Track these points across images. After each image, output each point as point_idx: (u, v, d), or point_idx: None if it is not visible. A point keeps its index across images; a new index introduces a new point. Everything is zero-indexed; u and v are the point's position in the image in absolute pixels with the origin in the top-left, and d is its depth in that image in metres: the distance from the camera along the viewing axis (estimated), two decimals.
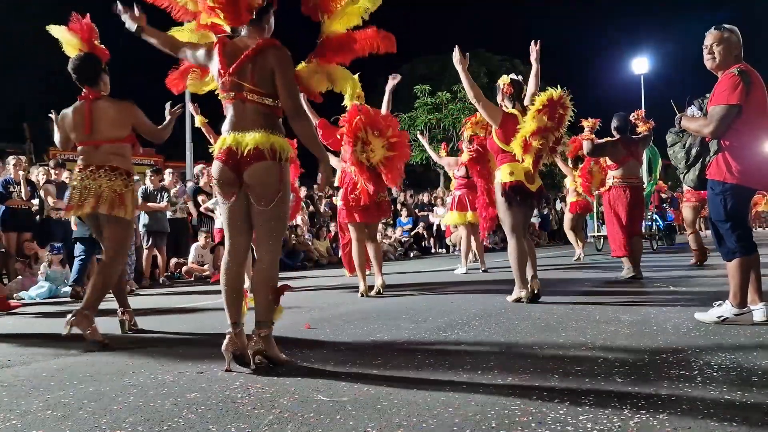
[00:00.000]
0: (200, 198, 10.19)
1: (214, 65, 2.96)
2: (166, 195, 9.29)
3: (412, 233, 15.14)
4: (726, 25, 3.68)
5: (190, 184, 10.86)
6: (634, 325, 3.75)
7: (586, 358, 2.84)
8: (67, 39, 3.99)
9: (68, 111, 3.97)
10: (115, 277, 3.89)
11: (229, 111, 2.93)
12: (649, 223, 13.77)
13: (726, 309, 3.68)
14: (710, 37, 3.67)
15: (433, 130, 26.37)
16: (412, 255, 14.39)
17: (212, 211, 10.20)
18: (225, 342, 2.83)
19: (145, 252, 8.79)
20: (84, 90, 3.92)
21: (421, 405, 2.19)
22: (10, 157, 8.14)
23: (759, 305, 3.69)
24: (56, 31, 3.99)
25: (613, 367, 2.65)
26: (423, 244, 15.66)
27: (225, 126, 2.93)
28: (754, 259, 3.66)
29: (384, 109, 6.00)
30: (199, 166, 11.97)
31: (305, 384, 2.54)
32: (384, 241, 13.79)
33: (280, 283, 2.92)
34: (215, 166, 2.93)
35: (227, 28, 3.13)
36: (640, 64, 32.42)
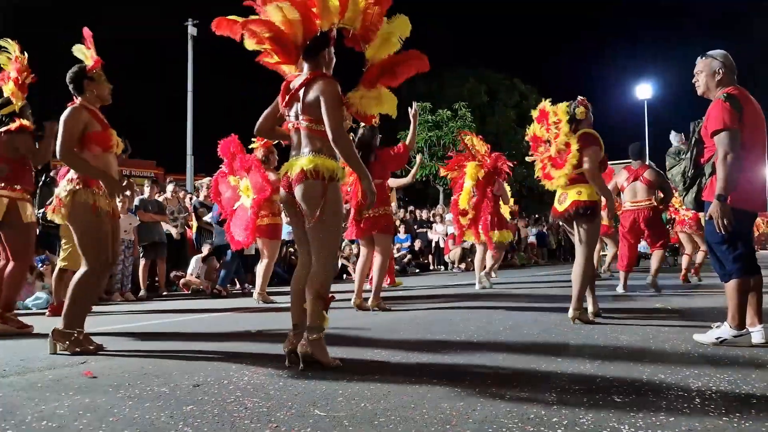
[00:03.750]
0: (200, 211, 10.19)
1: (280, 101, 3.32)
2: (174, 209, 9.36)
3: (411, 249, 15.14)
4: (712, 52, 3.76)
5: (195, 199, 10.86)
6: (632, 345, 3.74)
7: (584, 378, 2.83)
8: (85, 54, 4.10)
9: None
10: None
11: (291, 140, 3.31)
12: None
13: (725, 331, 3.67)
14: (697, 65, 3.81)
15: (434, 147, 26.48)
16: (410, 271, 14.36)
17: (211, 224, 10.21)
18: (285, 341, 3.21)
19: (142, 263, 8.76)
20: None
21: (419, 422, 2.18)
22: None
23: (757, 327, 3.68)
24: (77, 50, 4.12)
25: (611, 387, 2.64)
26: (421, 260, 15.64)
27: (291, 154, 3.29)
28: (757, 281, 3.67)
29: (409, 139, 6.13)
30: (204, 180, 11.94)
31: (302, 399, 2.53)
32: None
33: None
34: (279, 192, 3.32)
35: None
36: (644, 90, 32.73)
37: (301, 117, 3.20)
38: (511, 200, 9.00)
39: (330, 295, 3.18)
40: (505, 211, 8.99)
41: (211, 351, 3.78)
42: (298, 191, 3.13)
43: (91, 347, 3.74)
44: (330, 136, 3.09)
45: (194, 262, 9.41)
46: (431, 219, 16.99)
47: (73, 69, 4.04)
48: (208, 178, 12.20)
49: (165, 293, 9.07)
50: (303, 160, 3.13)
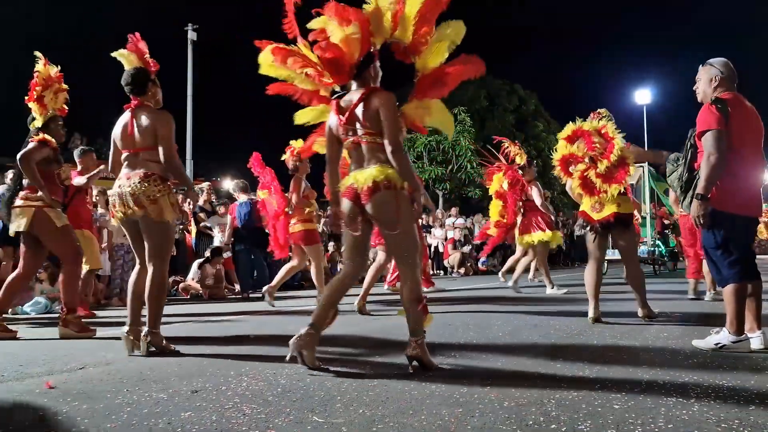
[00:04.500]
0: (199, 216, 10.19)
1: (333, 121, 3.40)
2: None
3: None
4: (712, 60, 3.84)
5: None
6: (631, 350, 3.74)
7: (583, 384, 2.83)
8: (127, 58, 4.16)
9: (117, 125, 4.06)
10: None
11: (351, 155, 3.38)
12: (652, 249, 13.88)
13: (723, 336, 3.68)
14: (698, 73, 3.89)
15: (433, 152, 26.48)
16: None
17: (210, 229, 10.22)
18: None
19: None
20: (132, 100, 4.03)
21: (417, 428, 2.17)
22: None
23: (757, 333, 3.67)
24: (119, 55, 4.17)
25: (610, 393, 2.64)
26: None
27: (350, 168, 3.37)
28: (756, 286, 3.67)
29: None
30: (203, 185, 11.95)
31: (300, 405, 2.52)
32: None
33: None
34: (342, 203, 3.35)
35: (337, 88, 3.54)
36: (643, 95, 32.79)
37: (361, 131, 3.25)
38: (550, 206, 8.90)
39: (425, 296, 3.26)
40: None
41: (209, 356, 3.77)
42: (373, 203, 3.18)
43: (170, 348, 3.88)
44: (388, 149, 3.15)
45: (195, 267, 9.41)
46: (430, 224, 16.99)
47: (132, 69, 4.02)
48: (207, 183, 12.23)
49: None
50: (373, 172, 3.18)
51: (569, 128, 5.17)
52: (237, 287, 9.89)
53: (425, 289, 8.48)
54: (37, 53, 4.95)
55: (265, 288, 7.19)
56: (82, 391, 2.85)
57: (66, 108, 5.12)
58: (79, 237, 5.49)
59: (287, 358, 3.17)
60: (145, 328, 3.83)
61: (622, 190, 4.94)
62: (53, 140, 4.92)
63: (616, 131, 4.95)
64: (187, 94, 22.41)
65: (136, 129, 3.90)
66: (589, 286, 5.07)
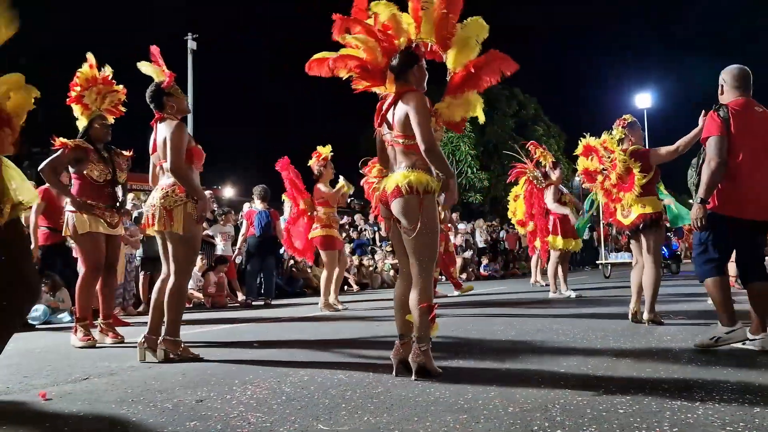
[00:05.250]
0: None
1: (375, 121, 3.45)
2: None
3: None
4: (725, 68, 3.96)
5: None
6: (635, 353, 3.74)
7: (587, 388, 2.83)
8: (153, 71, 4.28)
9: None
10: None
11: (389, 157, 3.41)
12: None
13: (718, 329, 3.78)
14: None
15: None
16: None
17: (212, 237, 10.22)
18: (393, 350, 3.29)
19: (141, 277, 8.75)
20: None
21: None
22: None
23: (760, 335, 3.70)
24: (143, 67, 4.31)
25: (614, 397, 2.64)
26: None
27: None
28: (764, 288, 3.72)
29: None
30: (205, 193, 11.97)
31: (305, 413, 2.53)
32: (382, 266, 13.78)
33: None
34: (379, 205, 3.42)
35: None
36: (643, 99, 32.84)
37: (394, 134, 3.28)
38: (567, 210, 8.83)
39: (434, 304, 3.21)
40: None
41: (213, 364, 3.77)
42: (394, 206, 3.23)
43: (190, 355, 3.94)
44: (422, 147, 3.14)
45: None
46: None
47: (150, 87, 4.17)
48: (208, 191, 12.25)
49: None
50: (398, 177, 3.22)
51: (580, 145, 5.57)
52: (240, 295, 9.89)
53: (456, 293, 8.65)
54: (89, 54, 5.02)
55: (320, 304, 7.39)
56: (86, 401, 2.85)
57: (119, 110, 5.12)
58: None
59: (413, 378, 3.11)
60: (162, 336, 3.92)
61: (638, 191, 5.01)
62: (69, 141, 4.90)
63: (615, 143, 5.22)
64: (188, 102, 22.47)
65: (157, 142, 4.07)
66: (632, 285, 5.33)
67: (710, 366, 3.31)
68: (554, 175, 8.59)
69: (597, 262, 13.20)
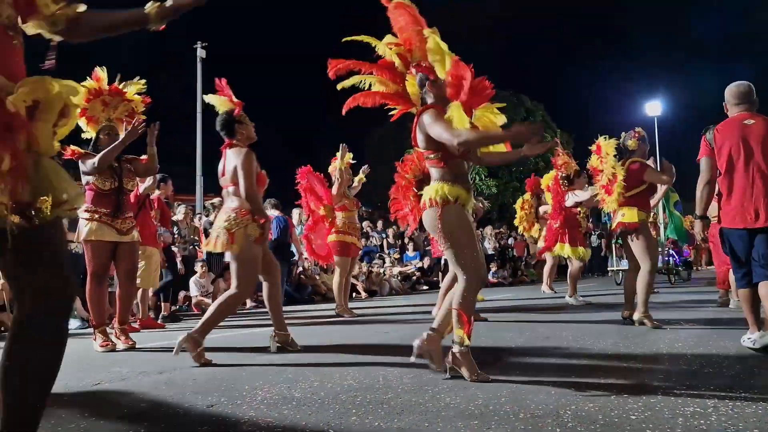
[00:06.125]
0: (209, 231, 10.23)
1: None
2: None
3: (420, 267, 15.10)
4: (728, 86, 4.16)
5: (204, 219, 10.89)
6: (647, 360, 3.72)
7: (599, 394, 2.82)
8: (220, 102, 4.54)
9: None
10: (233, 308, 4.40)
11: None
12: (666, 258, 13.88)
13: (750, 336, 3.98)
14: None
15: None
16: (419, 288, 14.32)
17: None
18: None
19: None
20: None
21: None
22: None
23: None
24: (211, 99, 4.59)
25: (626, 404, 2.62)
26: (431, 277, 15.58)
27: None
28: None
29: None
30: (214, 200, 11.95)
31: (316, 418, 2.53)
32: (390, 274, 13.77)
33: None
34: None
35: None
36: (653, 107, 32.74)
37: (422, 152, 3.47)
38: (581, 218, 8.76)
39: (470, 314, 3.26)
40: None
41: (223, 370, 3.78)
42: (422, 219, 3.46)
43: (203, 359, 4.03)
44: (453, 141, 3.19)
45: (194, 284, 9.44)
46: None
47: (221, 116, 4.43)
48: (218, 199, 12.28)
49: (173, 314, 9.06)
50: (427, 191, 3.41)
51: (596, 143, 5.86)
52: (249, 302, 9.90)
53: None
54: (97, 68, 5.09)
55: (336, 309, 7.54)
56: (98, 406, 2.87)
57: (137, 118, 5.09)
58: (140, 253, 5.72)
59: (447, 377, 3.23)
60: (191, 332, 4.08)
61: (617, 197, 5.42)
62: (79, 151, 4.95)
63: (610, 150, 5.60)
64: (197, 110, 22.60)
65: (225, 167, 4.33)
66: (624, 289, 5.84)
67: (723, 372, 3.28)
68: (577, 184, 8.58)
69: (608, 269, 13.18)
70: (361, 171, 8.05)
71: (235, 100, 4.47)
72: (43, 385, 1.73)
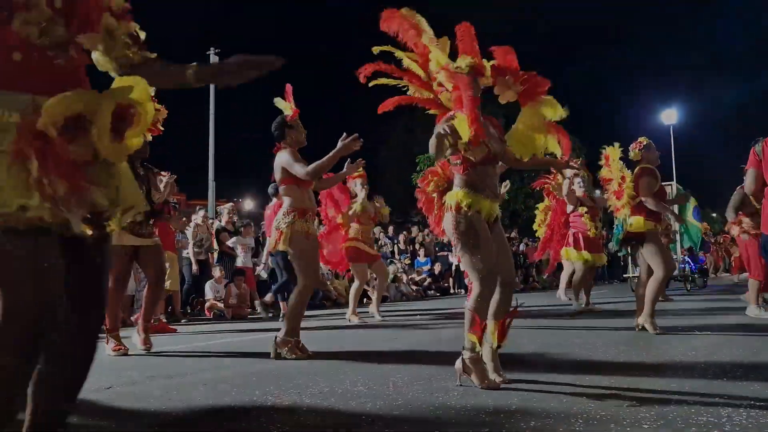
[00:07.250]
0: (222, 235, 10.28)
1: None
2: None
3: (431, 273, 15.08)
4: None
5: (217, 224, 10.92)
6: (660, 368, 3.67)
7: (611, 403, 2.79)
8: (284, 105, 4.78)
9: None
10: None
11: None
12: (682, 266, 13.78)
13: None
14: None
15: None
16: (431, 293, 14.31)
17: (233, 249, 10.31)
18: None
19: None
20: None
21: None
22: None
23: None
24: (278, 102, 4.80)
25: (639, 413, 2.59)
26: (441, 284, 15.56)
27: None
28: None
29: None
30: (226, 205, 11.97)
31: (326, 424, 2.52)
32: (402, 280, 13.75)
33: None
34: None
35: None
36: (669, 116, 32.58)
37: (450, 158, 3.47)
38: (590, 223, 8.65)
39: (484, 319, 3.29)
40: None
41: (233, 375, 3.78)
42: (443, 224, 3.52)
43: (304, 353, 4.34)
44: (497, 155, 3.35)
45: (209, 287, 9.46)
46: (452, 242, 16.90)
47: (277, 119, 4.69)
48: (230, 204, 12.35)
49: (184, 319, 9.10)
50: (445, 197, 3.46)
51: (604, 154, 5.92)
52: (258, 308, 9.93)
53: None
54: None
55: (348, 314, 7.62)
56: (108, 410, 2.88)
57: (157, 128, 5.08)
58: None
59: (457, 384, 3.22)
60: (278, 334, 4.38)
61: (627, 200, 5.43)
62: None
63: (616, 156, 5.68)
64: (210, 115, 22.75)
65: (275, 168, 4.57)
66: (636, 296, 5.81)
67: (737, 380, 3.23)
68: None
69: (624, 275, 13.12)
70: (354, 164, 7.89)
71: (294, 107, 4.71)
72: (73, 392, 1.79)
